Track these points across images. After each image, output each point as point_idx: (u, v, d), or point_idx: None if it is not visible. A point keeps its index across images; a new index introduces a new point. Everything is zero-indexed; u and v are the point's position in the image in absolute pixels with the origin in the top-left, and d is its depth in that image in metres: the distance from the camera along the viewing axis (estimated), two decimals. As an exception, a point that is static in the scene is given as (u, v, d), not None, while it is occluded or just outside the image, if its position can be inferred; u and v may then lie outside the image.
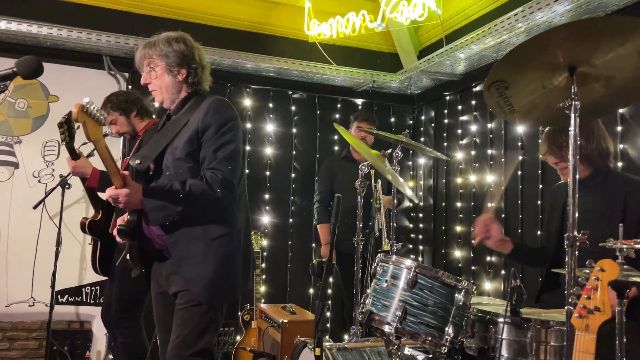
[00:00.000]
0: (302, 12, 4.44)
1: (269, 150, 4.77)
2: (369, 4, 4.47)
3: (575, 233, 1.66)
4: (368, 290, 2.20)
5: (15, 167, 4.12)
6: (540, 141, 2.46)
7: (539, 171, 3.61)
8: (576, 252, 1.66)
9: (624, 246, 1.65)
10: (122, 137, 4.18)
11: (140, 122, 3.30)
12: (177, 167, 2.06)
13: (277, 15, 4.70)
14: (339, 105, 4.99)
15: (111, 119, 3.27)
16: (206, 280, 2.03)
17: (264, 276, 4.59)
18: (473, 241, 2.45)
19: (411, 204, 5.11)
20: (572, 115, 1.69)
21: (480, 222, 2.43)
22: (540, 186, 3.60)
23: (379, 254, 2.25)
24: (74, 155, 3.04)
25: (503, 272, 3.87)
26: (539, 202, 3.59)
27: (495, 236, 2.43)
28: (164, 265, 2.16)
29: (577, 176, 2.29)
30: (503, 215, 3.87)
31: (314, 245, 4.75)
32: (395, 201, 3.02)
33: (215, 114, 2.06)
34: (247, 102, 4.72)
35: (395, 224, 3.04)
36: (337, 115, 4.98)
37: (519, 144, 3.82)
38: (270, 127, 4.79)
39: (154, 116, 3.42)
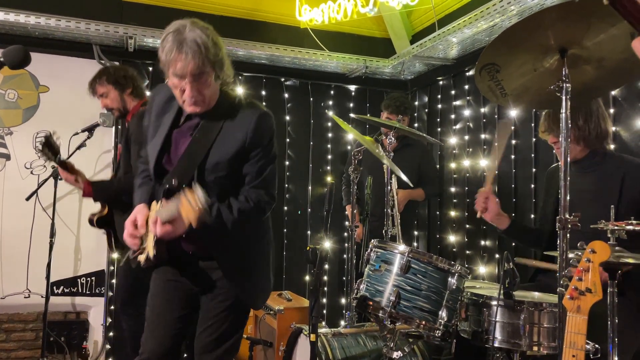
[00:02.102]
0: (294, -3, 4.41)
1: (262, 138, 4.75)
2: (361, -12, 4.43)
3: (567, 215, 1.67)
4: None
5: (6, 158, 4.09)
6: (541, 121, 2.46)
7: (532, 155, 3.62)
8: (568, 235, 1.67)
9: (616, 227, 1.65)
10: (113, 129, 4.16)
11: (132, 100, 3.20)
12: (217, 184, 1.92)
13: (268, 1, 4.66)
14: (332, 92, 4.97)
15: (102, 91, 3.16)
16: (255, 287, 2.05)
17: (259, 264, 4.59)
18: (477, 215, 2.48)
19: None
20: (563, 98, 1.69)
21: (481, 195, 2.46)
22: (534, 169, 3.60)
23: (372, 240, 2.26)
24: (65, 167, 3.04)
25: (497, 256, 3.89)
26: (533, 185, 3.60)
27: (493, 210, 2.45)
28: (200, 264, 2.04)
29: (574, 157, 2.32)
30: (497, 200, 3.87)
31: (309, 232, 4.76)
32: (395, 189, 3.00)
33: (266, 132, 1.95)
34: (240, 89, 4.69)
35: (390, 210, 3.04)
36: (330, 102, 4.96)
37: (512, 127, 3.82)
38: (263, 115, 4.76)
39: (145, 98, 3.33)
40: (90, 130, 3.68)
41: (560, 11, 1.62)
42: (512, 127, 3.73)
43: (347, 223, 3.07)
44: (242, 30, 4.52)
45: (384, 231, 2.98)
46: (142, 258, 1.98)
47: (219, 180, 1.92)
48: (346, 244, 4.66)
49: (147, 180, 2.07)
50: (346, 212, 4.20)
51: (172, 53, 1.77)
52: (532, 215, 3.58)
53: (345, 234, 4.61)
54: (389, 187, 3.03)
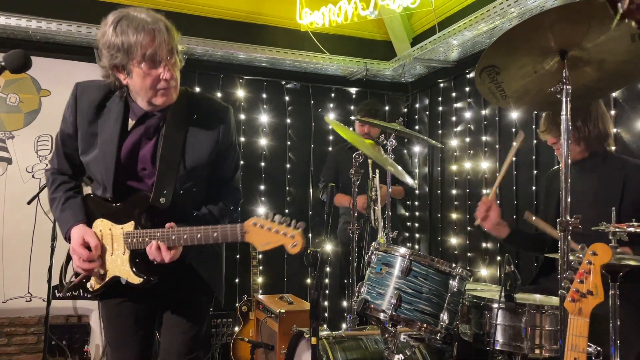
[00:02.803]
0: (294, 1, 4.41)
1: (263, 141, 4.76)
2: (361, -9, 4.43)
3: (568, 217, 1.66)
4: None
5: (8, 162, 4.10)
6: (541, 121, 2.45)
7: (534, 157, 3.61)
8: (569, 237, 1.66)
9: (617, 229, 1.65)
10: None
11: None
12: (193, 191, 1.79)
13: (269, 4, 4.66)
14: (332, 95, 4.97)
15: None
16: (220, 276, 1.99)
17: (261, 267, 4.59)
18: (475, 222, 2.46)
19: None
20: (564, 100, 1.69)
21: (483, 204, 2.43)
22: (535, 172, 3.60)
23: (373, 243, 2.25)
24: None
25: (499, 258, 3.88)
26: (534, 187, 3.60)
27: (492, 219, 2.42)
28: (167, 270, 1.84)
29: (574, 158, 2.31)
30: (498, 202, 3.87)
31: (310, 235, 4.75)
32: (389, 190, 3.02)
33: (234, 128, 1.88)
34: (241, 93, 4.69)
35: (390, 213, 3.04)
36: (331, 105, 4.96)
37: (513, 130, 3.81)
38: (264, 118, 4.77)
39: None
40: None
41: (560, 13, 1.61)
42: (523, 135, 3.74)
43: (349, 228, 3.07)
44: (243, 33, 4.53)
45: (385, 234, 2.98)
46: (94, 283, 1.83)
47: (194, 187, 1.78)
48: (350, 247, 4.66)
49: (74, 194, 1.86)
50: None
51: (141, 35, 1.59)
52: (534, 218, 3.57)
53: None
54: (374, 183, 3.09)
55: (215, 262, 1.97)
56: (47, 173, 1.93)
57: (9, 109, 4.11)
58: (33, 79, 4.17)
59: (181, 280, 1.86)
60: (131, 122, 1.76)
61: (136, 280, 1.74)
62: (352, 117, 4.24)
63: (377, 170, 3.20)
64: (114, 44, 1.61)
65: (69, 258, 1.88)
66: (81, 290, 1.88)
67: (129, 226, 1.75)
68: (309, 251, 1.83)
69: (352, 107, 4.99)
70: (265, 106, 4.77)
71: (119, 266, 1.77)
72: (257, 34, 4.59)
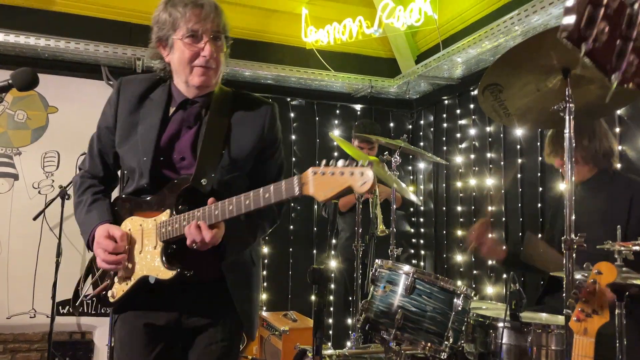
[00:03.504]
0: (299, 19, 4.46)
1: (268, 158, 4.76)
2: (366, 10, 4.48)
3: (573, 236, 1.65)
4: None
5: (15, 178, 4.13)
6: (545, 144, 2.44)
7: (539, 174, 3.60)
8: (574, 255, 1.65)
9: (622, 248, 1.64)
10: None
11: None
12: (233, 186, 1.60)
13: (274, 22, 4.71)
14: (337, 111, 5.00)
15: None
16: (254, 310, 1.74)
17: (265, 284, 4.58)
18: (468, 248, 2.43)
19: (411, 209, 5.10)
20: (567, 118, 1.69)
21: (475, 229, 2.41)
22: (540, 189, 3.58)
23: (377, 261, 2.24)
24: None
25: (505, 276, 3.85)
26: (539, 204, 3.58)
27: (487, 244, 2.40)
28: (195, 290, 1.64)
29: (583, 177, 2.30)
30: (503, 219, 3.85)
31: (315, 251, 4.74)
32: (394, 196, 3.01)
33: (279, 127, 1.76)
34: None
35: (395, 229, 3.03)
36: (336, 121, 4.98)
37: (518, 147, 3.81)
38: (269, 135, 4.78)
39: None
40: None
41: (563, 32, 1.62)
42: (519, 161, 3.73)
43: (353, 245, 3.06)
44: (249, 51, 4.57)
45: (388, 251, 2.97)
46: (116, 291, 1.65)
47: (235, 180, 1.64)
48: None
49: (102, 197, 1.74)
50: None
51: (188, 8, 1.57)
52: (539, 235, 3.55)
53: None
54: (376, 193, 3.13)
55: (249, 281, 1.72)
56: (75, 178, 1.81)
57: (17, 125, 4.15)
58: (41, 96, 4.22)
59: (211, 304, 1.64)
60: (172, 111, 1.69)
61: (168, 274, 1.53)
62: (353, 135, 4.23)
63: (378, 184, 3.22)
64: (163, 18, 1.61)
65: (87, 272, 1.80)
66: (97, 304, 1.75)
67: (164, 215, 1.59)
68: (312, 267, 1.81)
69: (356, 124, 5.01)
70: (270, 123, 4.79)
71: (149, 263, 1.59)
72: (263, 51, 4.63)
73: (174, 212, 1.56)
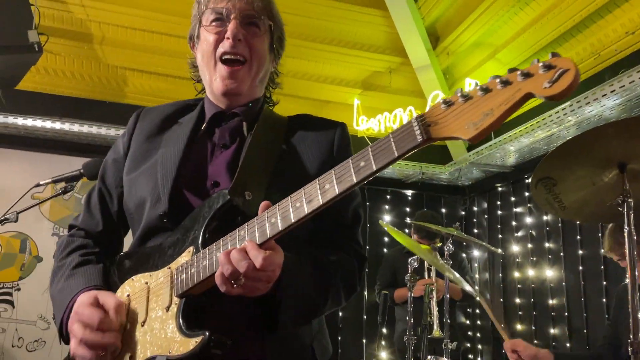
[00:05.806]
0: (351, 109, 4.62)
1: (319, 243, 4.78)
2: (416, 100, 4.60)
3: (641, 339, 1.54)
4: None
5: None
6: (604, 240, 2.34)
7: (602, 267, 3.42)
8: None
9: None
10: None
11: None
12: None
13: (327, 112, 4.90)
14: (388, 197, 5.01)
15: None
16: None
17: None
18: None
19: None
20: (625, 213, 1.63)
21: (508, 350, 2.19)
22: (604, 283, 3.39)
23: (429, 357, 2.15)
24: None
25: (570, 376, 3.57)
26: (604, 299, 3.37)
27: (529, 356, 2.20)
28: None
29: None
30: (566, 314, 3.64)
31: (364, 340, 4.58)
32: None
33: (351, 146, 1.31)
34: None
35: (449, 320, 2.92)
36: (387, 207, 4.99)
37: (578, 237, 3.66)
38: (320, 220, 4.83)
39: None
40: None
41: (618, 127, 1.62)
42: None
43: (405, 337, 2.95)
44: (303, 139, 4.74)
45: (442, 345, 2.84)
46: None
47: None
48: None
49: (95, 259, 1.23)
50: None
51: None
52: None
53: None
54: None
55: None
56: (60, 239, 1.34)
57: (83, 208, 4.39)
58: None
59: None
60: (204, 127, 1.26)
61: (187, 346, 0.97)
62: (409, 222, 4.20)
63: (434, 269, 3.16)
64: (194, 14, 1.29)
65: None
66: None
67: (184, 256, 1.07)
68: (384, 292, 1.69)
69: (407, 209, 4.99)
70: (321, 208, 4.84)
71: (156, 336, 1.04)
72: (316, 139, 4.78)
73: (199, 247, 1.04)
